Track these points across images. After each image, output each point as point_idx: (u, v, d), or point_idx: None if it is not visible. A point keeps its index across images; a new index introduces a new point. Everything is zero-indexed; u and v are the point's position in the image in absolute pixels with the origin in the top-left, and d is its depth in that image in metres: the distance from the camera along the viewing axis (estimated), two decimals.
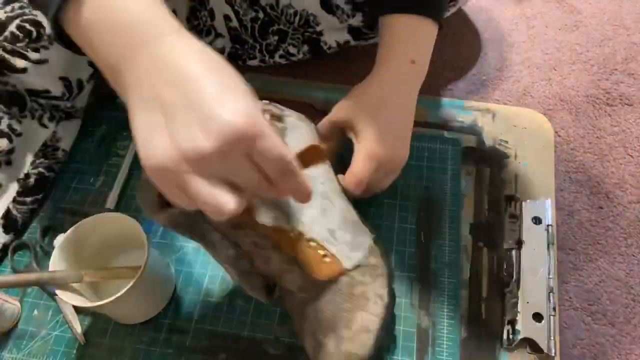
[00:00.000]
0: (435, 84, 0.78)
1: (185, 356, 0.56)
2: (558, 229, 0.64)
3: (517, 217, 0.62)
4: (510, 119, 0.71)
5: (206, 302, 0.59)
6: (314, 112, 0.71)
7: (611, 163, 0.70)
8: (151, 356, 0.57)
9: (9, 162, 0.64)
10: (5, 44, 0.58)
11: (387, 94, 0.56)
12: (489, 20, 0.86)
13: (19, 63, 0.59)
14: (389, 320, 0.51)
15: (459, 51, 0.82)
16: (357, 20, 0.70)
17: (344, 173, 0.55)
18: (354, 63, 0.78)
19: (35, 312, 0.60)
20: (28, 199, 0.65)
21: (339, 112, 0.58)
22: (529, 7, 0.87)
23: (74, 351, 0.57)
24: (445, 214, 0.63)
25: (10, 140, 0.63)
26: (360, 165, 0.54)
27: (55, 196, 0.69)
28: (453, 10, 0.75)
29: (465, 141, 0.69)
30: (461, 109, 0.72)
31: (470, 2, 0.89)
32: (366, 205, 0.62)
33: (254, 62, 0.77)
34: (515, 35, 0.84)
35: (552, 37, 0.83)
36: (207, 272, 0.61)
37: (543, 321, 0.55)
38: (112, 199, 0.66)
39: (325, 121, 0.59)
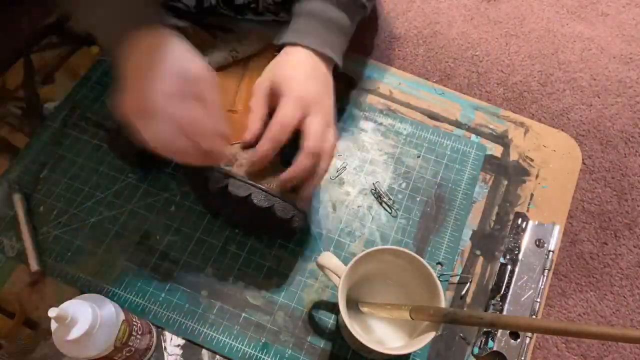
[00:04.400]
0: (474, 84, 0.77)
1: (170, 284, 0.59)
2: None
3: (520, 235, 0.63)
4: (542, 138, 0.70)
5: (201, 240, 0.61)
6: None
7: (628, 203, 0.69)
8: (139, 275, 0.59)
9: None
10: None
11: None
12: (546, 32, 0.84)
13: None
14: None
15: (506, 56, 0.81)
16: None
17: None
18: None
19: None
20: None
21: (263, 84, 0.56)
22: (589, 27, 0.85)
23: (69, 253, 0.60)
24: (451, 215, 0.64)
25: None
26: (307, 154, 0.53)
27: (82, 105, 0.70)
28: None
29: (491, 149, 0.69)
30: (495, 117, 0.72)
31: (531, 9, 0.86)
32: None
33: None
34: (568, 53, 0.82)
35: (604, 64, 0.81)
36: (207, 213, 0.63)
37: (519, 340, 0.56)
38: None
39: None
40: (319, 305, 0.58)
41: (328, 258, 0.51)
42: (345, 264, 0.50)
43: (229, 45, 0.60)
